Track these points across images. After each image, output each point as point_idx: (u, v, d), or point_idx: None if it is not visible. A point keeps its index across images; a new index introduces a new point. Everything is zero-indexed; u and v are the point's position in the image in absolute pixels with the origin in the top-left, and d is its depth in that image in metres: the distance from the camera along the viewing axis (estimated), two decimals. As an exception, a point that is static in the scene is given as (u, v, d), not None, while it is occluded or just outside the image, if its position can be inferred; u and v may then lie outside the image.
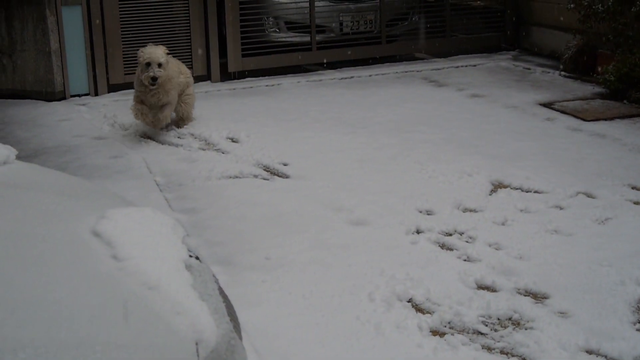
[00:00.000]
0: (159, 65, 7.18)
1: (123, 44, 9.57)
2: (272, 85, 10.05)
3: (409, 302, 4.53)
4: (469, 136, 7.76)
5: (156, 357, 2.08)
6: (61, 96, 9.33)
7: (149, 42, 9.55)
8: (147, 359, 2.05)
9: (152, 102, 7.45)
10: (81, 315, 2.10)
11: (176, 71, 7.65)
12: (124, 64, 9.60)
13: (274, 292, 4.64)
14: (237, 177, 6.57)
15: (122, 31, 9.56)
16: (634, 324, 4.35)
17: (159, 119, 7.51)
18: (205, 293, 2.50)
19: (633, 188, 6.34)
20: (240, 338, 2.64)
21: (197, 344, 2.18)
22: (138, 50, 7.50)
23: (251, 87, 9.88)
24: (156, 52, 7.22)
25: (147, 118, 7.50)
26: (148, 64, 7.17)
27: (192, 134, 7.78)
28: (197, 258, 2.76)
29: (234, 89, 9.84)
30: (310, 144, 7.45)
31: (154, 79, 7.15)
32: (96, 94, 9.47)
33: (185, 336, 2.18)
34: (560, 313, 4.45)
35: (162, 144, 7.54)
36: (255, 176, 6.58)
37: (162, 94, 7.37)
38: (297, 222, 5.67)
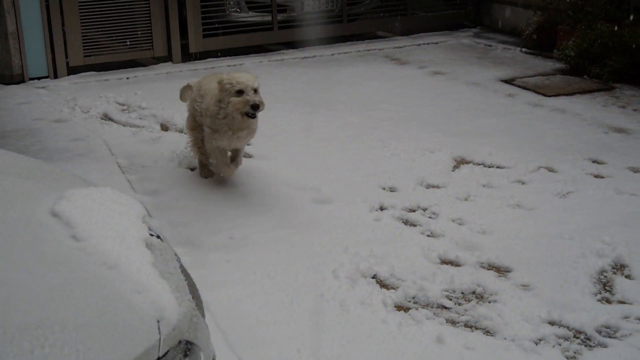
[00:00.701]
0: (255, 91, 5.51)
1: (82, 26, 9.44)
2: (234, 65, 9.98)
3: (373, 278, 4.54)
4: (430, 113, 7.78)
5: (117, 336, 2.06)
6: (20, 79, 9.19)
7: (108, 24, 9.53)
8: (108, 338, 2.04)
9: (231, 140, 5.76)
10: (40, 296, 2.08)
11: None
12: (84, 46, 9.47)
13: (238, 272, 4.63)
14: (199, 157, 6.52)
15: (80, 13, 9.42)
16: (595, 295, 4.41)
17: (238, 162, 5.98)
18: (167, 271, 2.49)
19: (593, 162, 6.41)
20: (203, 315, 2.63)
21: (158, 321, 2.17)
22: (215, 77, 5.83)
23: (213, 68, 9.81)
24: (248, 77, 5.56)
25: (226, 160, 5.86)
26: (240, 92, 5.46)
27: (154, 115, 7.72)
28: (158, 237, 2.75)
29: (196, 69, 9.76)
30: (273, 123, 7.42)
31: (256, 107, 5.45)
32: (55, 77, 9.34)
33: (146, 314, 2.17)
34: (523, 286, 4.49)
35: (124, 125, 7.47)
36: (218, 156, 6.54)
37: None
38: (261, 201, 5.65)
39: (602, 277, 4.61)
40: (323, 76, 9.33)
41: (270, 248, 4.93)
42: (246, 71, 5.81)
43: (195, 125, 6.01)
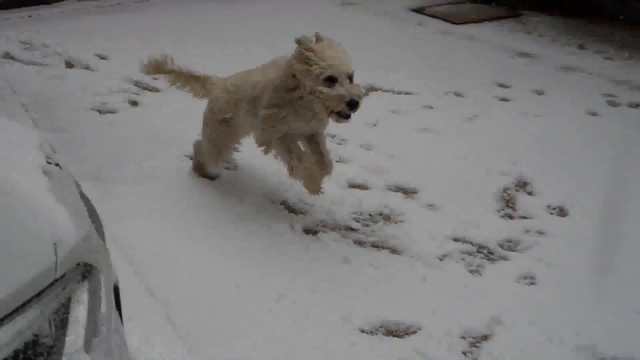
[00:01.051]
0: (350, 79, 3.96)
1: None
2: (142, 1, 9.77)
3: (282, 204, 4.57)
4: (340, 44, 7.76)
5: (12, 259, 2.04)
6: None
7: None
8: (4, 263, 2.02)
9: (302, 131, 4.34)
10: None
11: None
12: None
13: (145, 203, 4.58)
14: (106, 93, 6.39)
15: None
16: (498, 211, 4.54)
17: (328, 161, 4.34)
18: (64, 197, 2.45)
19: (500, 86, 6.55)
20: (104, 240, 2.62)
21: (55, 244, 2.16)
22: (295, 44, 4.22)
23: (119, 4, 9.58)
24: (343, 57, 4.01)
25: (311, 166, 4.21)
26: (331, 79, 3.92)
27: (59, 53, 7.51)
28: (57, 165, 2.71)
29: (102, 6, 9.51)
30: (181, 58, 7.27)
31: (354, 105, 3.87)
32: (-46, 16, 9.01)
33: (42, 238, 2.15)
34: (429, 206, 4.59)
35: (27, 64, 7.24)
36: (125, 91, 6.42)
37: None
38: (167, 135, 5.57)
39: (505, 194, 4.75)
40: (233, 10, 9.21)
41: (177, 179, 4.90)
42: (332, 40, 4.23)
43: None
